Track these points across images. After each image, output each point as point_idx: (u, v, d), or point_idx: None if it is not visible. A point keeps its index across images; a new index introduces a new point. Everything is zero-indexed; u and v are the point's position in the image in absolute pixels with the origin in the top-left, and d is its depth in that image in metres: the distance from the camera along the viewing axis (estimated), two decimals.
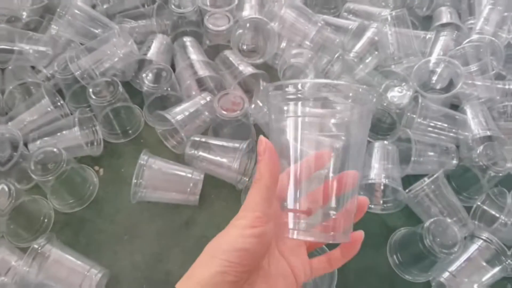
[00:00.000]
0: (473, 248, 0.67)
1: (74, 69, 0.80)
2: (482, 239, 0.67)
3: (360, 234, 0.35)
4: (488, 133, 0.76)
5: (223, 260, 0.32)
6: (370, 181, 0.71)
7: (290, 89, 0.34)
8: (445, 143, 0.79)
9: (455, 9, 1.00)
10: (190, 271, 0.34)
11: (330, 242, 0.34)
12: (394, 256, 0.70)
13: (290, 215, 0.34)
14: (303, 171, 0.34)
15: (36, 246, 0.63)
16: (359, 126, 0.35)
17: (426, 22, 1.03)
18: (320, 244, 0.40)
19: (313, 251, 0.41)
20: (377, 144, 0.76)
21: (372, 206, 0.75)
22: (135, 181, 0.69)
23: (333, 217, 0.33)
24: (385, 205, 0.75)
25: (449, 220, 0.65)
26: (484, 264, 0.66)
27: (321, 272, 0.38)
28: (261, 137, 0.33)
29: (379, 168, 0.72)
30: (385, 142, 0.76)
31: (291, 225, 0.33)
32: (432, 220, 0.63)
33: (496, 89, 0.84)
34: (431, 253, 0.61)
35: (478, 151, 0.72)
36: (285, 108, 0.34)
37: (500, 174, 0.71)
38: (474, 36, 0.87)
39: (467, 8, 1.02)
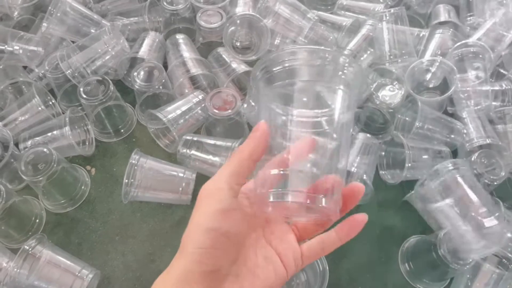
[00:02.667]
0: None
1: (65, 68, 0.79)
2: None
3: (363, 216, 0.31)
4: (488, 141, 0.74)
5: (196, 248, 0.29)
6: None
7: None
8: (439, 147, 0.78)
9: (454, 5, 0.98)
10: (170, 264, 0.31)
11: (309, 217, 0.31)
12: (406, 264, 0.69)
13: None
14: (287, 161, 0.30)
15: (27, 247, 0.63)
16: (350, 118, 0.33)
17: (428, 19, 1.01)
18: (310, 234, 0.35)
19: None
20: (360, 136, 0.76)
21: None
22: (126, 181, 0.69)
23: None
24: None
25: (464, 228, 0.63)
26: None
27: (314, 258, 0.34)
28: (262, 122, 0.31)
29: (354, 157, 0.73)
30: (368, 135, 0.76)
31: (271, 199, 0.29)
32: (446, 230, 0.62)
33: (492, 95, 0.82)
34: (444, 262, 0.60)
35: (473, 158, 0.71)
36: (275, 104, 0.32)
37: (495, 183, 0.70)
38: (471, 40, 0.85)
39: (466, 4, 1.00)
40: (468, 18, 0.96)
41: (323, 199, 0.28)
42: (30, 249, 0.63)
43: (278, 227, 0.35)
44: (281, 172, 0.29)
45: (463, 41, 0.84)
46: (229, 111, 0.72)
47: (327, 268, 0.61)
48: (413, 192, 0.70)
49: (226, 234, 0.30)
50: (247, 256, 0.32)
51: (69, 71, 0.79)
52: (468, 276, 0.64)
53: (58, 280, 0.63)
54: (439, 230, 0.70)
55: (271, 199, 0.29)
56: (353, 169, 0.69)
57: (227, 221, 0.30)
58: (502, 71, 0.90)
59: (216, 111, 0.72)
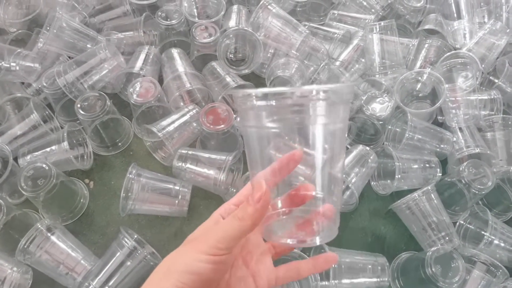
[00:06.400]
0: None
1: (62, 84, 0.80)
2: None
3: (336, 256, 0.37)
4: (477, 150, 0.76)
5: (176, 280, 0.32)
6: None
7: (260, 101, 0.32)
8: (428, 157, 0.79)
9: (443, 12, 1.00)
10: (144, 285, 0.34)
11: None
12: (396, 281, 0.71)
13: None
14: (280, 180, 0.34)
15: (39, 225, 0.66)
16: (343, 130, 0.35)
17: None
18: (286, 252, 0.39)
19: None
20: (359, 147, 0.78)
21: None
22: (123, 194, 0.71)
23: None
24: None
25: (450, 248, 0.66)
26: None
27: (288, 280, 0.37)
28: (262, 182, 0.32)
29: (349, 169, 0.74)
30: (367, 148, 0.77)
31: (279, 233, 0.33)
32: (434, 248, 0.65)
33: (480, 104, 0.84)
34: (432, 281, 0.62)
35: (461, 168, 0.73)
36: (261, 118, 0.33)
37: (483, 192, 0.71)
38: (459, 51, 0.87)
39: (454, 11, 1.02)
40: (455, 26, 0.98)
41: (317, 238, 0.33)
42: (42, 227, 0.66)
43: (256, 248, 0.37)
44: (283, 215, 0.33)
45: (452, 52, 0.85)
46: (223, 126, 0.74)
47: (319, 278, 0.63)
48: (399, 201, 0.72)
49: (205, 279, 0.33)
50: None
51: (66, 87, 0.81)
52: None
53: (63, 261, 0.66)
54: (423, 241, 0.73)
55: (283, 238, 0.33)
56: (339, 175, 0.71)
57: (211, 272, 0.32)
58: (492, 79, 0.92)
59: (210, 126, 0.74)
